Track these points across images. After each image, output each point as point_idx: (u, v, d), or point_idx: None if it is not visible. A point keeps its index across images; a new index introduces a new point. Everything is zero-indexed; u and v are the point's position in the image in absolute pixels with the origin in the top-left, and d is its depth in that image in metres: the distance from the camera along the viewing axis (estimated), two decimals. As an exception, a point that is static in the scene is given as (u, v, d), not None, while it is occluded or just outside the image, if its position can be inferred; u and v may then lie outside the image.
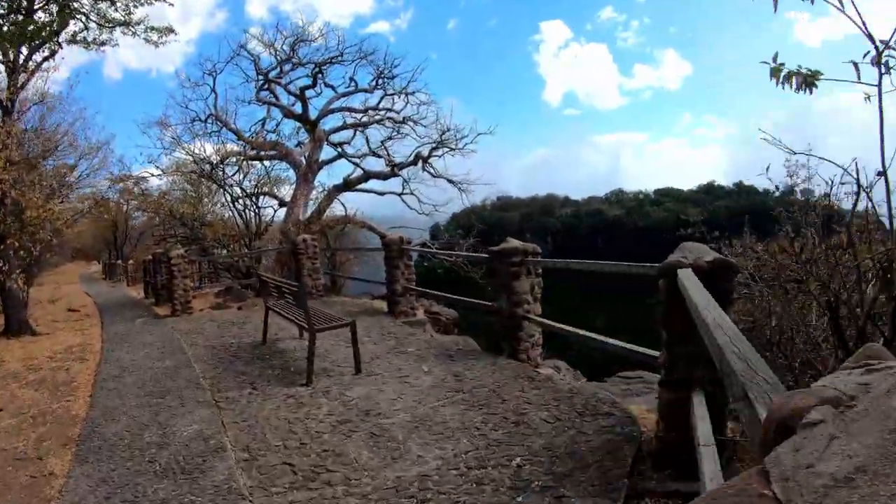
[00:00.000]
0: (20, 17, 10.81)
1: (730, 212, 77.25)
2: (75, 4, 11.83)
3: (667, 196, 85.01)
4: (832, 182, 4.60)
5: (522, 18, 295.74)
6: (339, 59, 19.35)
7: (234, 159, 18.96)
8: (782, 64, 3.38)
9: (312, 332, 6.45)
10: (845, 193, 4.83)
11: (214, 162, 18.61)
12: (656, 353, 4.32)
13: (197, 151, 18.82)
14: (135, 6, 12.60)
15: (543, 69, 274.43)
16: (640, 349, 4.86)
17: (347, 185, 19.07)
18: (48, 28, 10.82)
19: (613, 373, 9.41)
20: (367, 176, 19.24)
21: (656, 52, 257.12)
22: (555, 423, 4.55)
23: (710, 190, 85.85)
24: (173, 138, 18.86)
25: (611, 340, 5.32)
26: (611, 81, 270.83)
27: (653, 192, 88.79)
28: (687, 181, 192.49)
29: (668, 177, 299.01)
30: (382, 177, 19.22)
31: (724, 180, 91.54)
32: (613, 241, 79.56)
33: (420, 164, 19.06)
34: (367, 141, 19.72)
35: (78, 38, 12.20)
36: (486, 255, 7.22)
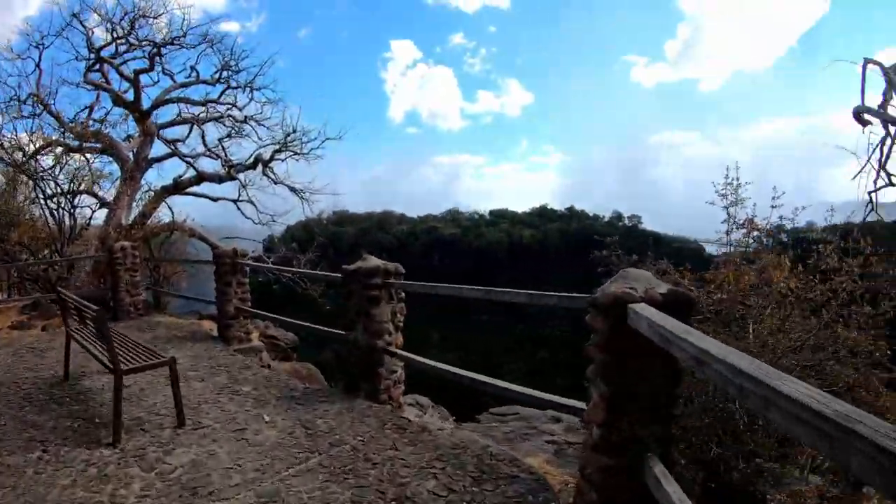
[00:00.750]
0: None
1: (561, 234, 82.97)
2: None
3: (502, 217, 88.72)
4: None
5: (374, 35, 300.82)
6: (182, 40, 16.99)
7: (54, 149, 15.95)
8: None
9: (118, 374, 4.80)
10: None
11: (28, 151, 15.58)
12: (581, 405, 3.58)
13: (9, 136, 15.56)
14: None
15: (389, 86, 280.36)
16: (562, 400, 3.99)
17: (178, 186, 16.65)
18: None
19: (481, 405, 8.77)
20: (201, 178, 17.09)
21: (500, 80, 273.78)
22: (448, 497, 3.59)
23: (543, 213, 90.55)
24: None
25: (515, 388, 4.40)
26: (454, 104, 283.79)
27: (488, 213, 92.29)
28: (522, 204, 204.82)
29: (504, 199, 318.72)
30: (217, 179, 17.12)
31: (557, 204, 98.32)
32: (449, 259, 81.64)
33: (260, 167, 17.32)
34: (204, 138, 17.67)
35: None
36: (339, 276, 6.13)
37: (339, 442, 4.54)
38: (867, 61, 11.75)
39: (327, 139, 17.67)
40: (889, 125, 10.87)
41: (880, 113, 10.84)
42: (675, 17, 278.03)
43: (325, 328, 6.90)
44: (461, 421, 8.18)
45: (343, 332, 6.09)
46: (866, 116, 11.00)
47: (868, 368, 5.27)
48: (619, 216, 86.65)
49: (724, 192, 6.73)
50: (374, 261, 5.90)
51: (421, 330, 64.50)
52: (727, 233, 6.91)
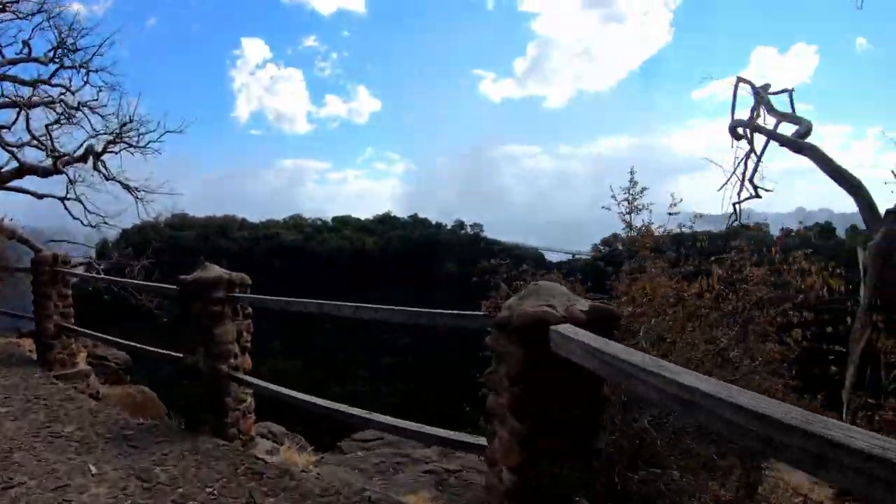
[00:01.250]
0: None
1: (404, 242, 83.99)
2: None
3: (345, 224, 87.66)
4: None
5: (225, 31, 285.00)
6: (14, 6, 14.63)
7: None
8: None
9: None
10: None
11: None
12: (480, 442, 3.25)
13: None
14: None
15: (237, 85, 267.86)
16: (454, 436, 3.61)
17: (-3, 179, 14.52)
18: None
19: (340, 429, 8.39)
20: (22, 170, 14.96)
21: (350, 86, 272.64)
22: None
23: (385, 220, 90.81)
24: None
25: (396, 423, 3.92)
26: (301, 108, 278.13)
27: (331, 220, 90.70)
28: (365, 211, 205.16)
29: (348, 206, 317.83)
30: (41, 172, 15.06)
31: (401, 212, 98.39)
32: (291, 266, 79.54)
33: (91, 160, 15.48)
34: (28, 123, 15.27)
35: None
36: (175, 288, 5.39)
37: (183, 498, 3.78)
38: (740, 80, 12.86)
39: (167, 132, 16.29)
40: (753, 142, 12.04)
41: (761, 127, 11.84)
42: (526, 37, 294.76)
43: (162, 350, 6.16)
44: (321, 450, 7.36)
45: (181, 356, 5.39)
46: (739, 130, 12.21)
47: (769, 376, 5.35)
48: (461, 224, 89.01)
49: (624, 196, 6.80)
50: (215, 270, 5.27)
51: (260, 336, 62.19)
52: (610, 240, 7.46)
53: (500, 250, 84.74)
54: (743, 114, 12.38)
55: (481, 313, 3.26)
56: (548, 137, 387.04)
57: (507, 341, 2.73)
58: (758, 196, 13.20)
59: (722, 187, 12.61)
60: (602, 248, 60.42)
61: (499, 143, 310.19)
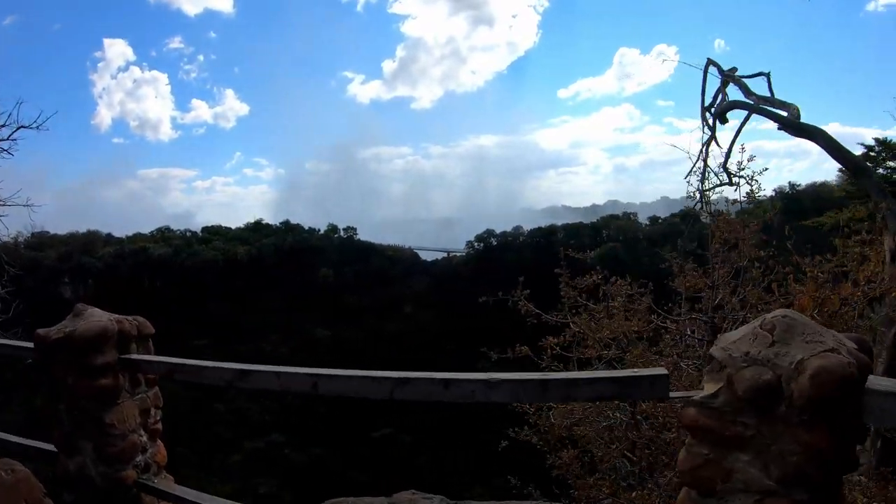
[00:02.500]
0: None
1: (277, 249, 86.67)
2: None
3: (216, 234, 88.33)
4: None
5: (87, 30, 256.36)
6: None
7: None
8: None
9: None
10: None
11: None
12: None
13: None
14: None
15: (98, 90, 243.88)
16: None
17: None
18: None
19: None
20: None
21: (216, 90, 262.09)
22: None
23: (258, 228, 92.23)
24: None
25: None
26: (165, 113, 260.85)
27: (201, 230, 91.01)
28: (235, 219, 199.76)
29: (217, 215, 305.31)
30: None
31: (272, 219, 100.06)
32: (161, 282, 79.64)
33: None
34: None
35: None
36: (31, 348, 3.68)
37: None
38: (710, 62, 12.47)
39: (21, 127, 13.10)
40: (715, 128, 11.99)
41: (752, 106, 11.63)
42: (396, 39, 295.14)
43: (24, 441, 4.13)
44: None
45: (55, 450, 3.66)
46: (714, 115, 12.11)
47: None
48: (334, 228, 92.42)
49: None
50: (97, 319, 3.53)
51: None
52: None
53: (375, 252, 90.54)
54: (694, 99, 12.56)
55: (658, 372, 2.35)
56: (418, 138, 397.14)
57: (760, 420, 1.88)
58: (730, 183, 12.13)
59: (689, 174, 12.36)
60: (476, 244, 69.51)
61: (369, 144, 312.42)
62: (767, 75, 11.98)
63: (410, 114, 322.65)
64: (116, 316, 3.64)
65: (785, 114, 11.32)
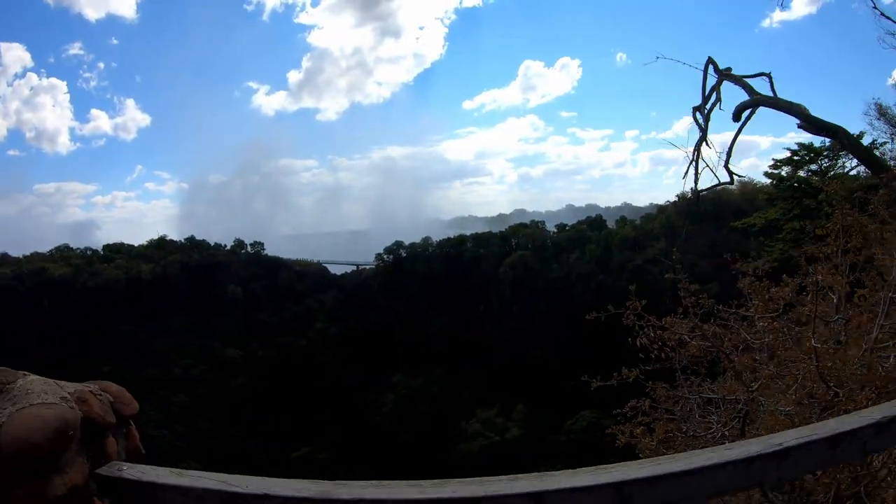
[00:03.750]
0: None
1: (183, 266, 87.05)
2: None
3: (118, 252, 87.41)
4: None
5: None
6: None
7: None
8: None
9: None
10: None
11: None
12: None
13: None
14: None
15: None
16: None
17: None
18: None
19: None
20: None
21: (117, 99, 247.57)
22: None
23: (162, 245, 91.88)
24: None
25: None
26: (64, 123, 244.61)
27: (102, 249, 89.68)
28: (138, 236, 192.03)
29: (119, 232, 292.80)
30: None
31: (176, 235, 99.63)
32: (62, 304, 78.53)
33: None
34: None
35: None
36: None
37: None
38: (710, 61, 12.43)
39: None
40: (707, 128, 12.08)
41: (777, 101, 11.60)
42: (302, 49, 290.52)
43: None
44: None
45: None
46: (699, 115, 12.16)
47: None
48: (241, 244, 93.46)
49: None
50: (41, 401, 1.66)
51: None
52: None
53: (283, 267, 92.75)
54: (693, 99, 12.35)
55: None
56: (325, 150, 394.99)
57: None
58: (731, 182, 12.66)
59: (686, 174, 12.47)
60: (386, 256, 74.72)
61: (275, 157, 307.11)
62: (769, 76, 11.81)
63: (316, 126, 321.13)
64: (73, 388, 1.79)
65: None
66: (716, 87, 12.39)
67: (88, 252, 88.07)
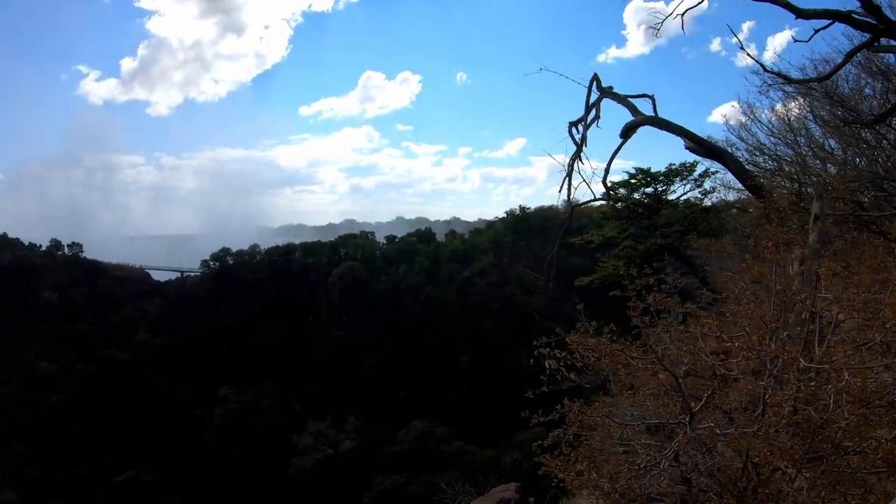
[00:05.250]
0: None
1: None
2: None
3: None
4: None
5: None
6: None
7: None
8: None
9: None
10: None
11: None
12: None
13: None
14: None
15: None
16: None
17: None
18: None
19: None
20: None
21: None
22: None
23: None
24: None
25: None
26: None
27: None
28: None
29: None
30: None
31: None
32: None
33: None
34: None
35: None
36: None
37: None
38: (595, 78, 13.14)
39: None
40: (583, 143, 12.72)
41: (658, 120, 12.39)
42: (139, 35, 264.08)
43: None
44: None
45: None
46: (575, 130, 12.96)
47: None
48: (57, 245, 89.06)
49: None
50: None
51: None
52: None
53: (102, 272, 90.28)
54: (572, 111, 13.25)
55: None
56: (152, 146, 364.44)
57: None
58: (607, 198, 14.36)
59: (562, 187, 12.74)
60: (212, 263, 78.29)
61: (99, 150, 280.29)
62: (652, 98, 12.04)
63: (146, 119, 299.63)
64: None
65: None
66: (595, 104, 12.27)
67: None
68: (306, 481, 64.77)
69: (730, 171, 13.37)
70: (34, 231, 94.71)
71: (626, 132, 12.44)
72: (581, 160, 13.04)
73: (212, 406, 76.69)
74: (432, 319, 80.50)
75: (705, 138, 13.27)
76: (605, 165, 13.53)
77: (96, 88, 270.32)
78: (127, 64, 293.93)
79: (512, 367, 70.45)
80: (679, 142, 12.70)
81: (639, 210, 37.48)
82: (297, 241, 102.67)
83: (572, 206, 16.38)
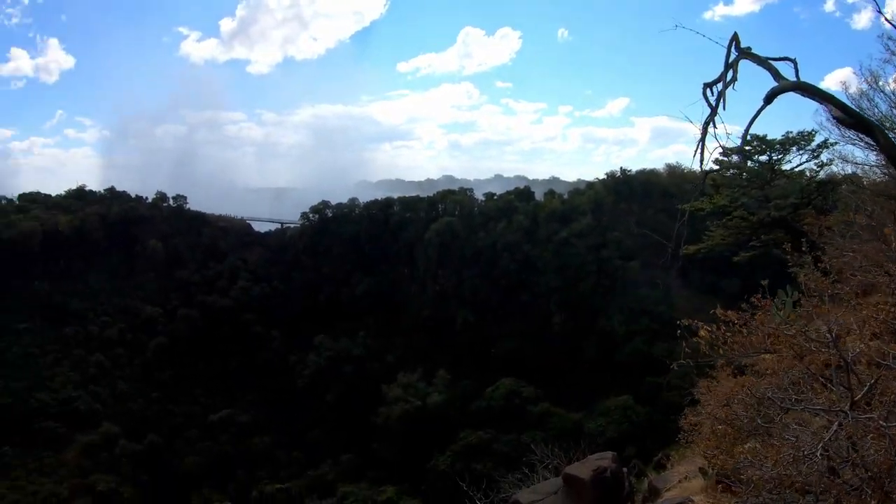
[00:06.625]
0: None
1: (102, 219, 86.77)
2: None
3: (34, 202, 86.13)
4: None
5: None
6: None
7: None
8: None
9: None
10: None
11: None
12: None
13: None
14: None
15: None
16: None
17: None
18: None
19: None
20: None
21: (40, 38, 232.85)
22: None
23: (81, 195, 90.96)
24: None
25: None
26: None
27: (17, 198, 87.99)
28: (56, 185, 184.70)
29: (36, 180, 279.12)
30: None
31: (96, 185, 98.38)
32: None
33: None
34: None
35: None
36: None
37: None
38: (734, 38, 11.85)
39: None
40: (718, 106, 11.81)
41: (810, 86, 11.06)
42: None
43: None
44: None
45: None
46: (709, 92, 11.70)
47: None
48: (163, 197, 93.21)
49: None
50: None
51: None
52: None
53: (206, 223, 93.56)
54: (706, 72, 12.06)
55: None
56: (253, 103, 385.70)
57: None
58: (743, 166, 15.25)
59: (696, 151, 12.35)
60: (311, 215, 78.34)
61: (202, 108, 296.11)
62: (794, 61, 11.56)
63: (246, 78, 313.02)
64: None
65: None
66: (733, 65, 11.92)
67: (3, 201, 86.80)
68: (393, 430, 64.73)
69: (878, 146, 12.48)
70: (141, 184, 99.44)
71: (771, 97, 11.53)
72: (715, 124, 12.19)
73: (306, 353, 77.99)
74: (527, 278, 78.43)
75: (853, 108, 12.27)
76: (743, 131, 12.73)
77: (197, 49, 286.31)
78: (226, 24, 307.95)
79: (604, 331, 71.63)
80: (782, 111, 12.47)
81: (752, 178, 35.21)
82: (395, 196, 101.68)
83: (705, 173, 15.37)
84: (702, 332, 6.86)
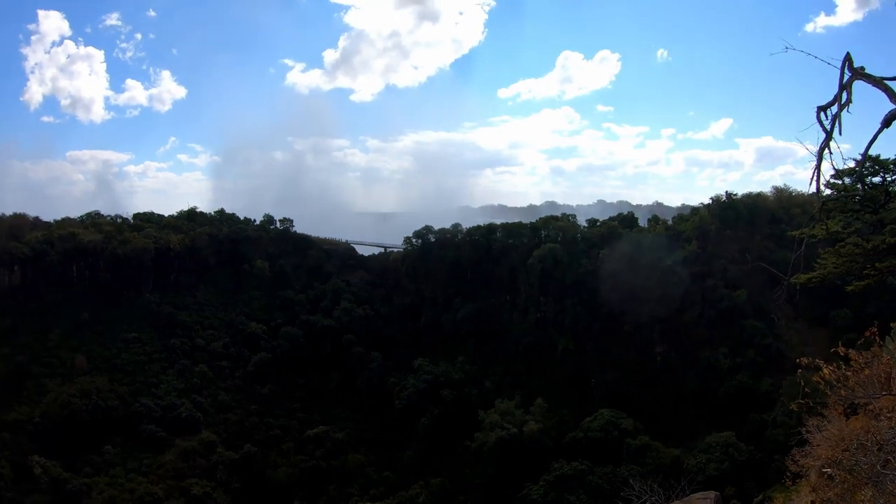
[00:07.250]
0: None
1: (211, 239, 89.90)
2: None
3: (148, 222, 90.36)
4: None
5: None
6: None
7: None
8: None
9: None
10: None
11: None
12: None
13: None
14: None
15: (30, 64, 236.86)
16: None
17: None
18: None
19: None
20: None
21: (153, 71, 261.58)
22: None
23: (192, 216, 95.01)
24: None
25: None
26: (99, 92, 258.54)
27: (132, 217, 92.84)
28: (168, 207, 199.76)
29: (149, 201, 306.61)
30: None
31: (207, 207, 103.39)
32: (90, 270, 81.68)
33: None
34: None
35: None
36: None
37: None
38: (848, 57, 10.90)
39: None
40: (833, 129, 10.94)
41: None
42: (338, 29, 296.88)
43: None
44: None
45: None
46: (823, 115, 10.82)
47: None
48: (270, 219, 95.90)
49: None
50: None
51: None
52: None
53: (311, 245, 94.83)
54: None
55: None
56: (356, 131, 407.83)
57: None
58: (863, 194, 15.90)
59: (812, 177, 11.69)
60: (414, 240, 76.58)
61: (307, 135, 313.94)
62: None
63: (350, 106, 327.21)
64: None
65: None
66: (847, 87, 11.12)
67: (118, 220, 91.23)
68: (486, 457, 62.19)
69: None
70: (249, 207, 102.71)
71: (889, 120, 10.55)
72: (830, 149, 11.43)
73: (405, 375, 76.66)
74: (629, 307, 74.65)
75: None
76: (861, 154, 12.45)
77: (302, 79, 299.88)
78: (329, 55, 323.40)
79: (707, 364, 68.94)
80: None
81: (865, 202, 32.04)
82: (497, 222, 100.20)
83: (822, 200, 15.01)
84: (824, 372, 6.61)
